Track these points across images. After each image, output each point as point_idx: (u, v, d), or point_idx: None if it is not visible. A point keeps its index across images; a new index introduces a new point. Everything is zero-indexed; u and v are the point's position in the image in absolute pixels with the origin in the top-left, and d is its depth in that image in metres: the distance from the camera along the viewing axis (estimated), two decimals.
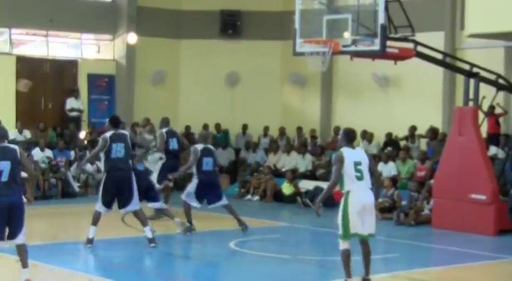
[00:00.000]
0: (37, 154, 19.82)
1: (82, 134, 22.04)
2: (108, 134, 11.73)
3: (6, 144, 8.82)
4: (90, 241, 11.65)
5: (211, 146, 13.96)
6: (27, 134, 21.13)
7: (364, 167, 9.01)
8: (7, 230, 8.73)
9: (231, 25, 24.32)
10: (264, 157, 22.17)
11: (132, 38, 23.14)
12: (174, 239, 12.87)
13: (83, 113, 22.87)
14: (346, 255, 8.94)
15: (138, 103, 23.43)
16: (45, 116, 22.36)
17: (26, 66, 22.40)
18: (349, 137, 9.25)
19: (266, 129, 23.53)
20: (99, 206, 11.74)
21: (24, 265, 8.86)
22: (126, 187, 11.65)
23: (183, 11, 24.54)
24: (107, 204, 11.72)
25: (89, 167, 20.00)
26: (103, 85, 23.67)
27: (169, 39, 24.41)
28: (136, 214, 11.82)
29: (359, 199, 8.89)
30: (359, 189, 8.92)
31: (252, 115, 23.92)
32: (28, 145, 20.23)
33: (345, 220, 8.87)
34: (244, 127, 23.84)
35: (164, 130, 15.68)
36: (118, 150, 11.58)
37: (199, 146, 13.58)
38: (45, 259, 10.66)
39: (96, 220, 11.76)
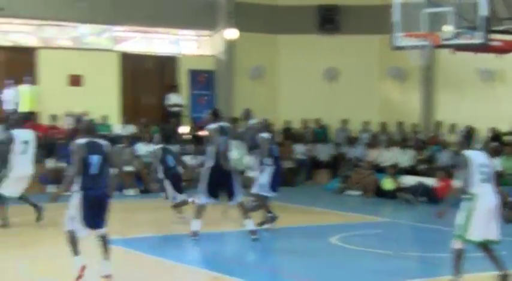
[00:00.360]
0: (141, 148, 20.21)
1: (183, 129, 22.35)
2: (213, 126, 11.80)
3: (96, 139, 9.10)
4: (195, 234, 11.74)
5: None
6: (131, 129, 21.59)
7: (489, 169, 8.85)
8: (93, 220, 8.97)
9: (329, 20, 24.21)
10: (364, 151, 21.99)
11: (231, 33, 23.30)
12: (276, 233, 12.88)
13: (183, 108, 23.19)
14: (459, 255, 8.76)
15: (237, 98, 23.57)
16: (148, 112, 22.79)
17: (129, 63, 22.89)
18: (471, 137, 9.12)
19: (366, 124, 23.34)
20: (202, 199, 11.80)
21: (107, 256, 9.07)
22: (230, 180, 11.75)
23: (281, 6, 24.56)
24: (211, 196, 11.76)
25: (191, 161, 20.25)
26: (203, 80, 23.95)
27: (267, 34, 24.48)
28: (239, 205, 11.91)
29: (486, 203, 8.72)
30: (485, 192, 8.75)
31: (351, 110, 23.76)
32: (132, 140, 20.67)
33: (468, 223, 8.69)
34: (344, 122, 23.71)
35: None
36: (223, 143, 11.67)
37: (265, 135, 13.18)
38: (150, 251, 10.88)
39: (199, 212, 11.83)
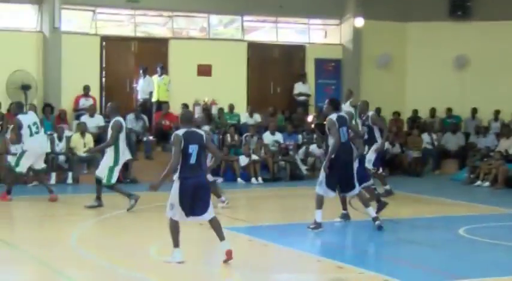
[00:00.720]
0: (267, 137, 20.46)
1: (310, 118, 22.43)
2: (332, 116, 11.67)
3: (194, 129, 9.31)
4: (318, 225, 11.68)
5: None
6: (258, 118, 21.86)
7: None
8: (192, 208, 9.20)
9: (460, 6, 23.68)
10: (495, 141, 21.41)
11: (359, 21, 23.15)
12: (400, 224, 12.78)
13: (310, 97, 23.26)
14: None
15: (364, 87, 23.41)
16: (275, 101, 23.00)
17: (256, 52, 23.16)
18: None
19: (497, 113, 22.71)
20: (322, 190, 11.71)
21: (221, 237, 9.29)
22: (349, 171, 11.68)
23: None
24: (332, 187, 11.69)
25: (316, 150, 20.38)
26: (330, 70, 23.93)
27: (396, 22, 24.17)
28: (358, 196, 11.88)
29: None
30: None
31: (482, 99, 23.17)
32: (258, 128, 20.94)
33: None
34: (474, 111, 23.16)
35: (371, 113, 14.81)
36: (343, 134, 11.61)
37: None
38: (275, 239, 11.02)
39: (320, 203, 11.75)
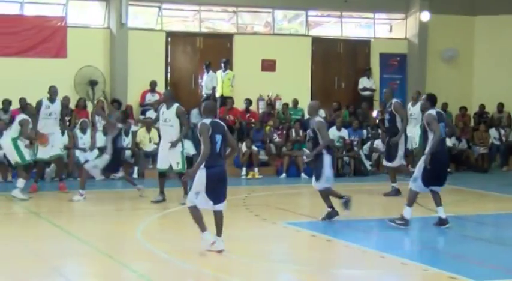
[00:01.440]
0: (333, 133, 20.35)
1: (374, 113, 22.29)
2: (432, 112, 11.50)
3: (216, 119, 9.63)
4: (406, 222, 11.43)
5: None
6: (322, 113, 21.75)
7: None
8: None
9: None
10: None
11: (425, 16, 22.88)
12: (466, 220, 12.61)
13: (375, 92, 23.10)
14: None
15: (430, 82, 23.14)
16: (339, 96, 22.91)
17: (321, 47, 23.10)
18: None
19: None
20: (418, 187, 11.47)
21: (219, 232, 9.46)
22: (446, 167, 11.86)
23: None
24: (427, 184, 11.42)
25: (381, 146, 20.23)
26: (395, 64, 23.73)
27: (463, 16, 23.83)
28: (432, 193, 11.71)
29: None
30: None
31: None
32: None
33: None
34: None
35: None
36: (443, 129, 11.42)
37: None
38: (338, 235, 11.01)
39: (412, 200, 11.53)
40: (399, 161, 15.20)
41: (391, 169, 15.48)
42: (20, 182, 14.27)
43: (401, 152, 15.11)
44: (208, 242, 9.41)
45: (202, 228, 9.48)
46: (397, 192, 15.19)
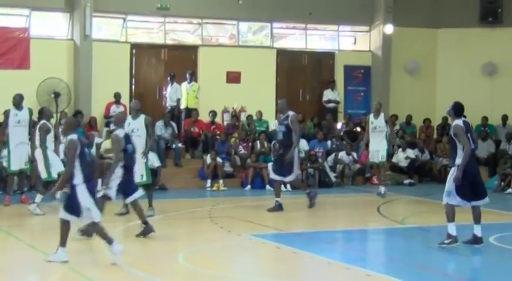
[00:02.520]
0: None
1: (339, 125, 22.41)
2: (460, 121, 10.88)
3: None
4: (454, 239, 10.90)
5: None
6: None
7: None
8: None
9: (491, 12, 23.51)
10: None
11: (389, 28, 23.08)
12: (429, 231, 12.71)
13: (339, 104, 23.23)
14: None
15: (394, 94, 23.35)
16: (304, 108, 22.96)
17: (286, 59, 23.18)
18: None
19: None
20: (454, 200, 10.94)
21: None
22: (479, 178, 11.10)
23: (441, 0, 24.09)
24: (463, 196, 10.87)
25: (345, 157, 20.38)
26: (359, 76, 23.89)
27: (426, 28, 24.09)
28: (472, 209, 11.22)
29: None
30: None
31: None
32: None
33: None
34: (505, 118, 22.97)
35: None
36: (470, 141, 10.80)
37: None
38: (303, 247, 11.01)
39: (452, 215, 10.97)
40: (295, 174, 14.74)
41: (279, 183, 14.95)
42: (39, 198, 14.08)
43: (296, 165, 14.65)
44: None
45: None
46: (279, 207, 14.68)
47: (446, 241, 10.90)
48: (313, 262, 10.19)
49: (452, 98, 24.01)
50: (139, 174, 13.44)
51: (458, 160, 10.72)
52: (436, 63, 24.26)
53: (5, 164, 15.53)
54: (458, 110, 11.04)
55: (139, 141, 13.45)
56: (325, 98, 23.04)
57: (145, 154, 13.45)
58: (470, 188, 10.87)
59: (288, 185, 18.89)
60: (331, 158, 20.63)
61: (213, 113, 21.21)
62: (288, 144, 14.47)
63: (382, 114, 17.38)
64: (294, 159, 14.53)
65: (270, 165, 15.48)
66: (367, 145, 17.59)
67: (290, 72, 23.21)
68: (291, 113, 14.66)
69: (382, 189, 17.35)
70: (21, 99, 15.19)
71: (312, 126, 22.13)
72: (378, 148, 17.25)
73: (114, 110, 20.30)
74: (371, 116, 17.56)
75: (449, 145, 11.36)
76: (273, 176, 14.96)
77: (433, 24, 24.09)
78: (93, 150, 18.74)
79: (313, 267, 9.97)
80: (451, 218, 10.92)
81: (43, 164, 14.27)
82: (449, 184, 10.88)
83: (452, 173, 10.84)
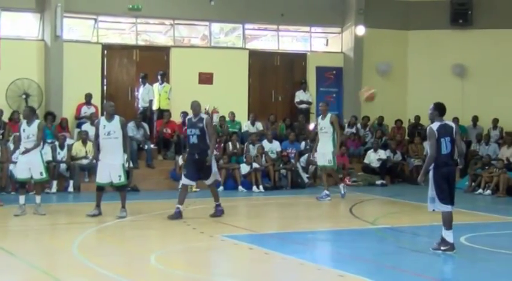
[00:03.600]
0: (266, 145, 20.42)
1: (311, 126, 22.45)
2: (434, 126, 10.69)
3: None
4: (451, 246, 10.67)
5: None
6: (259, 126, 21.87)
7: None
8: None
9: (461, 14, 23.75)
10: (496, 150, 21.42)
11: (361, 30, 23.21)
12: (402, 232, 12.77)
13: (311, 105, 23.28)
14: None
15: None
16: (276, 108, 23.03)
17: (258, 60, 23.20)
18: None
19: (496, 121, 22.72)
20: (441, 206, 10.69)
21: None
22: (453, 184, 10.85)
23: (412, 2, 24.34)
24: (447, 202, 10.67)
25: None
26: (331, 78, 23.98)
27: (397, 30, 24.25)
28: None
29: None
30: None
31: (482, 107, 23.20)
32: (260, 137, 20.94)
33: None
34: (475, 119, 23.17)
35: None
36: (446, 145, 10.61)
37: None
38: (276, 248, 11.00)
39: (449, 222, 10.66)
40: (213, 178, 14.00)
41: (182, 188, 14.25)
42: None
43: (215, 168, 13.94)
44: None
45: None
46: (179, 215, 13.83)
47: (442, 247, 10.66)
48: (286, 263, 10.18)
49: (423, 99, 24.48)
50: (117, 175, 13.41)
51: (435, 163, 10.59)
52: (408, 65, 24.44)
53: None
54: (441, 109, 10.86)
55: (116, 143, 13.42)
56: (297, 99, 23.10)
57: (128, 156, 13.53)
58: (449, 192, 10.69)
59: (261, 186, 18.93)
60: (303, 159, 20.67)
61: (185, 114, 21.12)
62: (202, 148, 13.59)
63: (328, 116, 16.80)
64: (212, 162, 13.83)
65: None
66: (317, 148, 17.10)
67: (262, 73, 23.24)
68: (204, 116, 13.99)
69: (341, 187, 17.11)
70: None
71: (284, 127, 22.16)
72: (323, 151, 16.75)
73: (85, 111, 20.22)
74: (319, 117, 17.19)
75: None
76: (184, 181, 13.99)
77: (404, 26, 24.28)
78: (64, 151, 18.64)
79: (286, 268, 9.96)
80: (447, 225, 10.66)
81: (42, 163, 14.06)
82: (431, 190, 10.73)
83: (431, 178, 10.66)
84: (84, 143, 18.71)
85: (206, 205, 15.20)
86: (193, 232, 12.36)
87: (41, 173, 13.88)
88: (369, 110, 23.09)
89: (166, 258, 9.69)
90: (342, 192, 17.05)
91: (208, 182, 13.92)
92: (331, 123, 16.75)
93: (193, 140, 13.68)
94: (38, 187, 14.14)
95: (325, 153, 16.75)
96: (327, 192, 16.79)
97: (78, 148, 18.75)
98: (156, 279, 8.97)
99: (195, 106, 13.94)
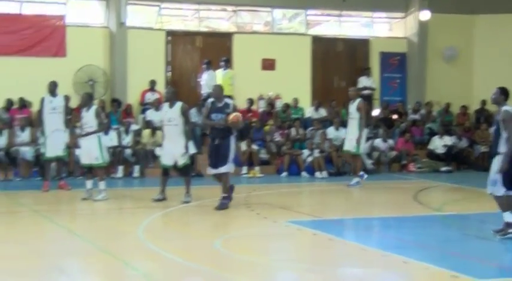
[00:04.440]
0: (331, 132, 20.35)
1: (375, 112, 22.29)
2: (508, 108, 10.29)
3: None
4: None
5: None
6: (323, 112, 21.80)
7: None
8: None
9: None
10: None
11: (425, 15, 22.89)
12: (469, 219, 12.60)
13: (375, 91, 23.09)
14: None
15: (430, 81, 23.19)
16: (338, 95, 22.89)
17: (320, 46, 23.10)
18: None
19: None
20: (502, 190, 10.42)
21: None
22: None
23: None
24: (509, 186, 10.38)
25: (381, 144, 20.28)
26: (395, 63, 23.74)
27: (462, 15, 23.84)
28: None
29: None
30: None
31: None
32: (324, 123, 20.89)
33: None
34: None
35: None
36: None
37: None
38: (340, 234, 10.98)
39: (507, 204, 10.46)
40: (228, 168, 13.16)
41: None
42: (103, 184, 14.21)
43: (231, 157, 13.14)
44: None
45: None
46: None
47: (510, 230, 10.45)
48: (349, 248, 10.16)
49: (490, 85, 23.95)
50: (181, 157, 13.49)
51: (502, 148, 10.31)
52: (474, 50, 24.03)
53: (42, 150, 15.69)
54: (506, 94, 10.56)
55: (176, 130, 13.53)
56: (360, 85, 22.91)
57: (187, 142, 13.64)
58: None
59: (324, 172, 18.89)
60: (367, 145, 20.51)
61: (250, 101, 21.20)
62: (227, 134, 13.04)
63: (356, 101, 16.62)
64: (231, 150, 13.11)
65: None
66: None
67: (325, 59, 23.12)
68: (229, 101, 13.39)
69: (354, 180, 16.72)
70: (55, 87, 15.31)
71: (345, 112, 21.99)
72: (350, 136, 16.65)
73: (150, 97, 20.43)
74: (350, 103, 16.95)
75: (493, 132, 10.95)
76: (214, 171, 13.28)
77: (469, 10, 23.85)
78: (130, 137, 18.89)
79: (350, 254, 9.93)
80: (505, 207, 10.46)
81: (98, 148, 14.20)
82: (494, 173, 10.44)
83: (498, 161, 10.38)
84: (153, 133, 18.80)
85: (270, 190, 15.27)
86: (257, 217, 12.41)
87: (96, 158, 14.05)
88: (434, 96, 22.81)
89: (230, 243, 9.76)
90: (352, 183, 16.67)
91: (223, 170, 13.05)
92: (358, 109, 16.56)
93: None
94: (96, 172, 14.27)
95: (351, 138, 16.62)
96: (358, 178, 16.66)
97: (147, 137, 18.95)
98: (220, 264, 9.03)
99: (218, 90, 13.36)
